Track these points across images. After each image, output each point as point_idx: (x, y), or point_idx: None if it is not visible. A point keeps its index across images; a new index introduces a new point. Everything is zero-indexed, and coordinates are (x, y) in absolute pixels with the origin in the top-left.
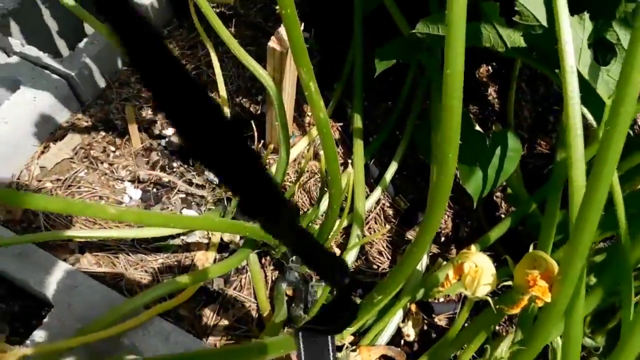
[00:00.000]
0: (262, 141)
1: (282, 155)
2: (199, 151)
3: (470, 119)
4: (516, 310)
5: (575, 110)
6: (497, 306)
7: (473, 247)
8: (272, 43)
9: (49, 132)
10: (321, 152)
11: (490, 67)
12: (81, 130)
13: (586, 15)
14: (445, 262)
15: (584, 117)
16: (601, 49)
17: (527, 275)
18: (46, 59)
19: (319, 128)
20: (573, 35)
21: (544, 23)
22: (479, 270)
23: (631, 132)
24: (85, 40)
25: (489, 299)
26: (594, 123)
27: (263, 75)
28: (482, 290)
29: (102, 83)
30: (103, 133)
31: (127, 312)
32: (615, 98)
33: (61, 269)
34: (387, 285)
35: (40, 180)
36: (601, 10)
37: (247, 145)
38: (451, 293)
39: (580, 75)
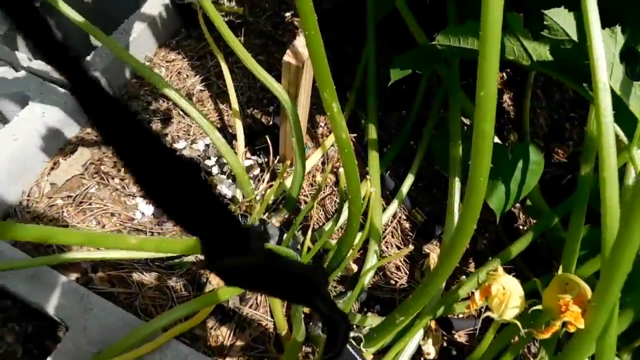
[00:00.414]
0: (277, 156)
1: (298, 169)
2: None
3: None
4: (547, 335)
5: (609, 128)
6: (527, 330)
7: (500, 269)
8: (288, 57)
9: (58, 147)
10: (336, 165)
11: (504, 74)
12: (91, 145)
13: (618, 28)
14: (465, 278)
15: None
16: (630, 60)
17: (558, 300)
18: (54, 73)
19: (340, 148)
20: (605, 50)
21: (574, 37)
22: (507, 293)
23: None
24: (93, 53)
25: (518, 323)
26: (625, 140)
27: (278, 89)
28: (510, 313)
29: None
30: None
31: (144, 336)
32: None
33: (75, 290)
34: (410, 306)
35: (50, 197)
36: (631, 21)
37: (202, 184)
38: (473, 311)
39: (611, 91)
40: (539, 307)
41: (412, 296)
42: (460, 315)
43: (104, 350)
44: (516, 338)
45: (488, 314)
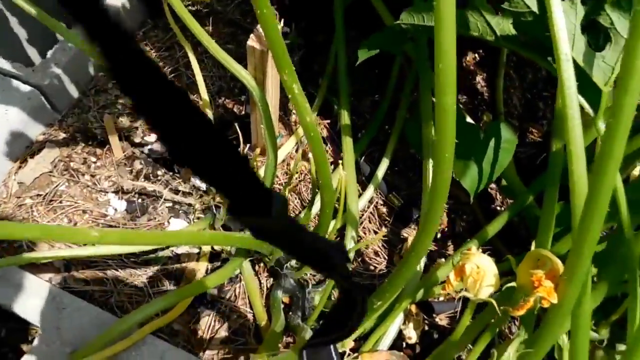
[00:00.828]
0: (247, 144)
1: (270, 157)
2: (183, 155)
3: (461, 111)
4: (521, 312)
5: (573, 99)
6: (502, 307)
7: (473, 248)
8: (252, 41)
9: (24, 146)
10: (310, 153)
11: (477, 55)
12: (59, 142)
13: (578, 0)
14: (444, 260)
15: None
16: (592, 33)
17: (531, 276)
18: (16, 68)
19: (306, 132)
20: (566, 21)
21: (535, 9)
22: (481, 272)
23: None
24: (55, 47)
25: (493, 301)
26: (591, 111)
27: (245, 76)
28: (485, 291)
29: (76, 92)
30: (82, 144)
31: (119, 333)
32: (618, 90)
33: (47, 291)
34: (386, 290)
35: (19, 197)
36: None
37: (230, 144)
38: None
39: (575, 63)
40: (513, 284)
41: (388, 280)
42: (441, 299)
43: (78, 350)
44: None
45: (464, 294)
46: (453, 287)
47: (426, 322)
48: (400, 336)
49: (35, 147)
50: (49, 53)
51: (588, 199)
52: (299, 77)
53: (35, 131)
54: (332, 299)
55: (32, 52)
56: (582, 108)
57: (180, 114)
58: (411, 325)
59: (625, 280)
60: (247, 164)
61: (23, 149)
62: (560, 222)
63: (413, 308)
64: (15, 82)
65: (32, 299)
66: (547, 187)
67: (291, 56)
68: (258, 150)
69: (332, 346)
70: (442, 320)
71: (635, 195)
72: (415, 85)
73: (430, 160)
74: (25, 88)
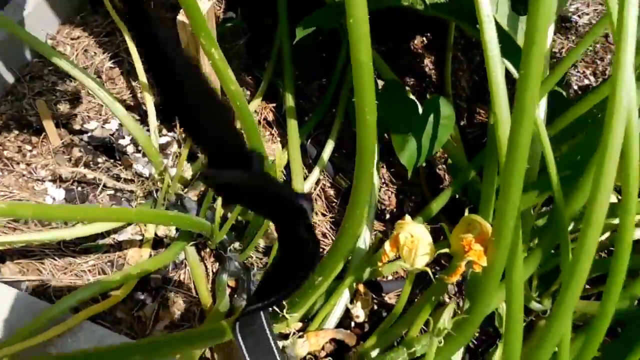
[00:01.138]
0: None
1: None
2: (176, 108)
3: (402, 88)
4: (454, 278)
5: (496, 62)
6: (437, 276)
7: (407, 217)
8: (181, 16)
9: None
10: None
11: (424, 38)
12: None
13: None
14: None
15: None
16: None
17: (461, 240)
18: None
19: (232, 101)
20: None
21: None
22: (415, 241)
23: (564, 93)
24: None
25: (428, 269)
26: (516, 74)
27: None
28: (421, 261)
29: (11, 77)
30: (16, 132)
31: (51, 317)
32: (525, 45)
33: None
34: (326, 266)
35: None
36: None
37: (221, 103)
38: (398, 270)
39: (499, 27)
40: (446, 250)
41: (326, 254)
42: (390, 278)
43: (9, 338)
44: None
45: (400, 264)
46: (388, 257)
47: (375, 301)
48: (348, 315)
49: None
50: None
51: (508, 152)
52: (245, 61)
53: None
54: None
55: None
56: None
57: (176, 65)
58: (359, 304)
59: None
60: (233, 122)
61: None
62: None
63: (361, 288)
64: None
65: None
66: (487, 160)
67: (236, 40)
68: None
69: (264, 319)
70: (391, 299)
71: (566, 165)
72: None
73: None
74: None
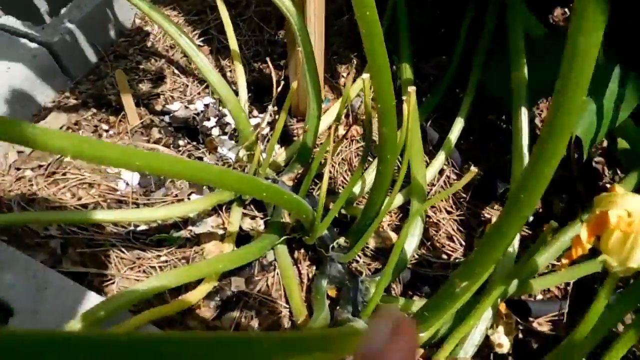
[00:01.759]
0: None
1: (313, 108)
2: None
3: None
4: None
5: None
6: None
7: (619, 188)
8: None
9: (31, 113)
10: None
11: (565, 9)
12: (68, 108)
13: None
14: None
15: None
16: None
17: None
18: (24, 27)
19: (365, 32)
20: None
21: None
22: (634, 222)
23: None
24: (70, 4)
25: None
26: None
27: None
28: None
29: (94, 57)
30: (94, 110)
31: (102, 317)
32: None
33: (26, 266)
34: (475, 265)
35: (18, 169)
36: None
37: None
38: (552, 284)
39: None
40: None
41: (475, 252)
42: (539, 297)
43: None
44: None
45: (601, 258)
46: (584, 249)
47: (520, 326)
48: (486, 343)
49: (43, 114)
50: (63, 10)
51: None
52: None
53: (44, 97)
54: (393, 292)
55: (45, 10)
56: None
57: None
58: (501, 329)
59: None
60: None
61: (30, 117)
62: None
63: (502, 307)
64: (23, 41)
65: (10, 277)
66: None
67: (341, 17)
68: (288, 105)
69: None
70: (541, 325)
71: None
72: (495, 31)
73: (523, 110)
74: (32, 46)
